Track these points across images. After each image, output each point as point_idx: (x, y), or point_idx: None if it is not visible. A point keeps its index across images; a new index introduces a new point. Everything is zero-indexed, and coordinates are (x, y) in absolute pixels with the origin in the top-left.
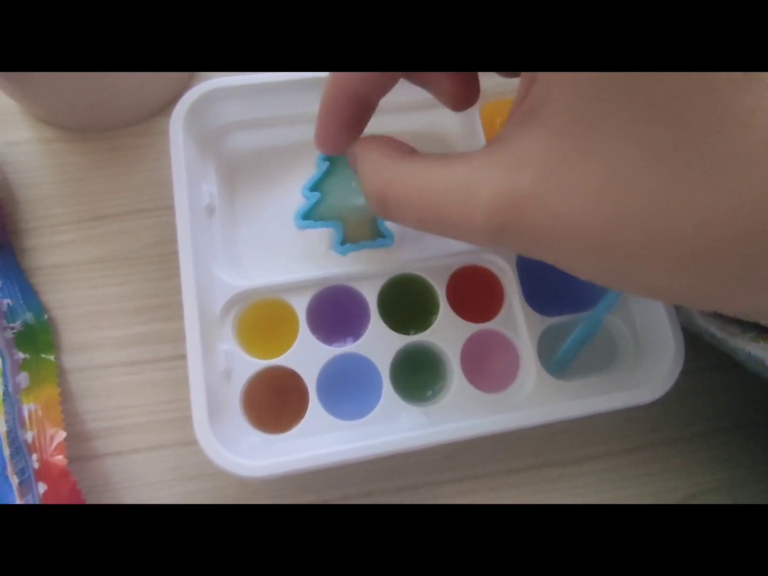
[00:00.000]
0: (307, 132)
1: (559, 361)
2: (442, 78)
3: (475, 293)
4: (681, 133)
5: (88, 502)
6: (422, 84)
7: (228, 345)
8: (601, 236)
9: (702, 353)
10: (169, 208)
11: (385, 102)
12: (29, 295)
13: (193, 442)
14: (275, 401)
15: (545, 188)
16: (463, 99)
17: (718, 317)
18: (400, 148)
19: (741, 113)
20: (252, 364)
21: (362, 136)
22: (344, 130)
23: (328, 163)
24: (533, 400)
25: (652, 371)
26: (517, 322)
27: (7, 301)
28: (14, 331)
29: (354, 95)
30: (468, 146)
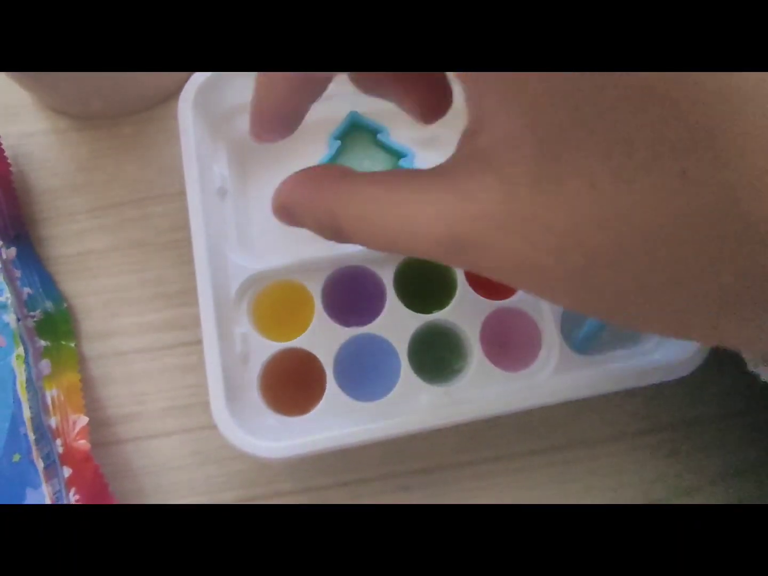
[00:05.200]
0: (318, 111)
1: (583, 337)
2: (403, 85)
3: None
4: None
5: (112, 486)
6: (379, 94)
7: (244, 328)
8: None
9: None
10: (183, 193)
11: None
12: (48, 284)
13: (214, 426)
14: (293, 383)
15: (488, 231)
16: (432, 109)
17: None
18: (333, 171)
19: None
20: (268, 347)
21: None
22: (274, 131)
23: (339, 142)
24: (556, 378)
25: (683, 346)
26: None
27: (27, 290)
28: (35, 319)
29: (281, 101)
30: None
